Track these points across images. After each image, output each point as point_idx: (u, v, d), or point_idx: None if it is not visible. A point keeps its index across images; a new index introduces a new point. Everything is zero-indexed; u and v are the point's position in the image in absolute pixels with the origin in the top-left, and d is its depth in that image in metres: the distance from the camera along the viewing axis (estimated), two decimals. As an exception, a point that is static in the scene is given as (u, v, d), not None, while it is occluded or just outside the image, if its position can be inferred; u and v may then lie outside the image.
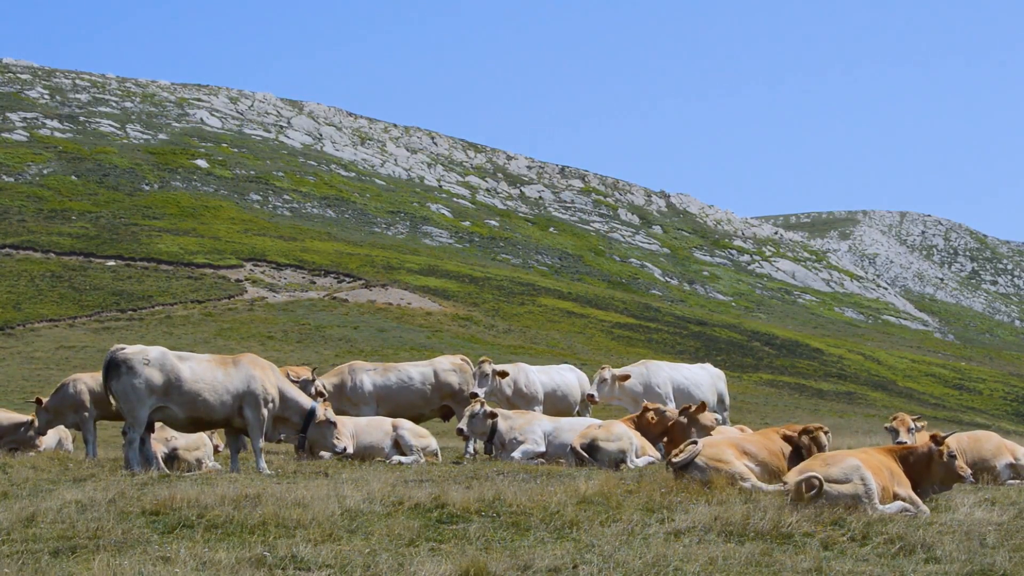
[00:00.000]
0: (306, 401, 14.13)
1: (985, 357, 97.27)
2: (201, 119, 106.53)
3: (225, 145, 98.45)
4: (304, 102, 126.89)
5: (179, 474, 13.20)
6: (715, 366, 19.96)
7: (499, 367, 17.24)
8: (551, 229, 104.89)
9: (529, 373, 17.82)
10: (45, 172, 78.63)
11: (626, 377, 17.36)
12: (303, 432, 14.00)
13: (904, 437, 12.45)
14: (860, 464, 9.96)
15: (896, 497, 10.11)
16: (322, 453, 14.74)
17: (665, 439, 14.54)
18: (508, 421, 14.97)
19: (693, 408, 14.37)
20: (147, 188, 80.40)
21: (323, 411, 14.04)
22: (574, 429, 14.64)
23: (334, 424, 14.08)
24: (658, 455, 14.31)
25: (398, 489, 10.80)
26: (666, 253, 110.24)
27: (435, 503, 9.99)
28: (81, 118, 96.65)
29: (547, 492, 10.46)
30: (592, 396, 17.18)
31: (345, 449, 14.20)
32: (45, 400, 16.38)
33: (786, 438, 11.95)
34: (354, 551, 8.35)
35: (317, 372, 17.92)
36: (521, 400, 17.35)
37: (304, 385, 16.66)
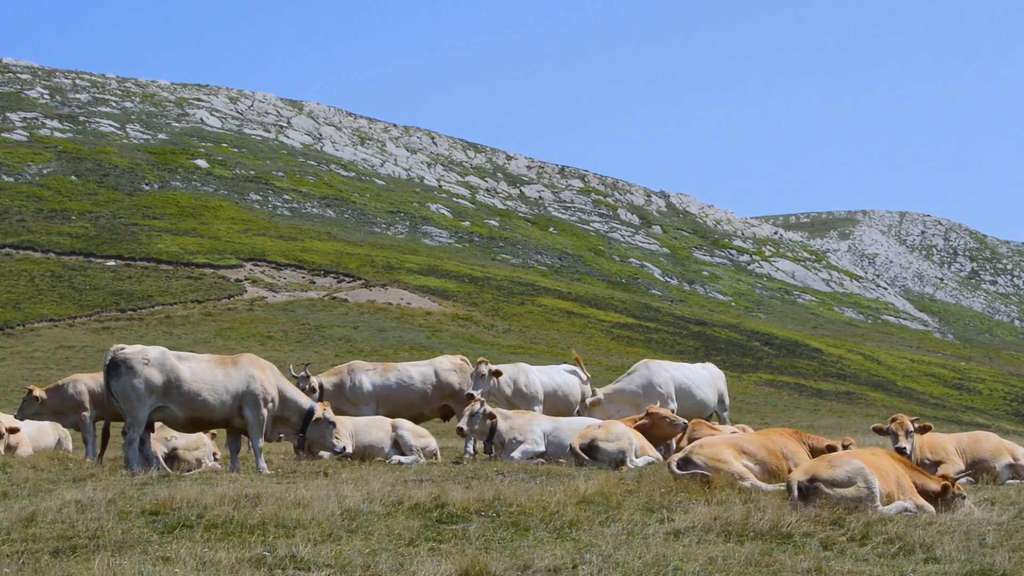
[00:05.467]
0: (305, 401, 14.13)
1: (985, 357, 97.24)
2: (201, 119, 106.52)
3: (225, 145, 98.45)
4: (304, 102, 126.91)
5: (179, 474, 13.21)
6: (715, 366, 19.93)
7: (496, 367, 17.20)
8: (551, 229, 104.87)
9: (529, 373, 17.78)
10: (45, 172, 78.62)
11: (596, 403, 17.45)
12: (302, 432, 14.01)
13: (903, 443, 12.25)
14: (864, 466, 9.95)
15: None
16: (321, 453, 14.74)
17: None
18: (508, 421, 14.96)
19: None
20: (147, 188, 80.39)
21: (322, 410, 14.03)
22: (574, 429, 14.63)
23: (333, 424, 14.07)
24: (658, 455, 14.32)
25: (398, 489, 10.80)
26: (666, 253, 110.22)
27: (435, 503, 9.99)
28: (81, 118, 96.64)
29: (547, 492, 10.46)
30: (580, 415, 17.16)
31: (344, 449, 14.18)
32: (38, 390, 16.34)
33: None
34: (354, 551, 8.35)
35: (315, 371, 17.92)
36: (521, 400, 17.32)
37: (301, 382, 16.68)
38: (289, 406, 13.90)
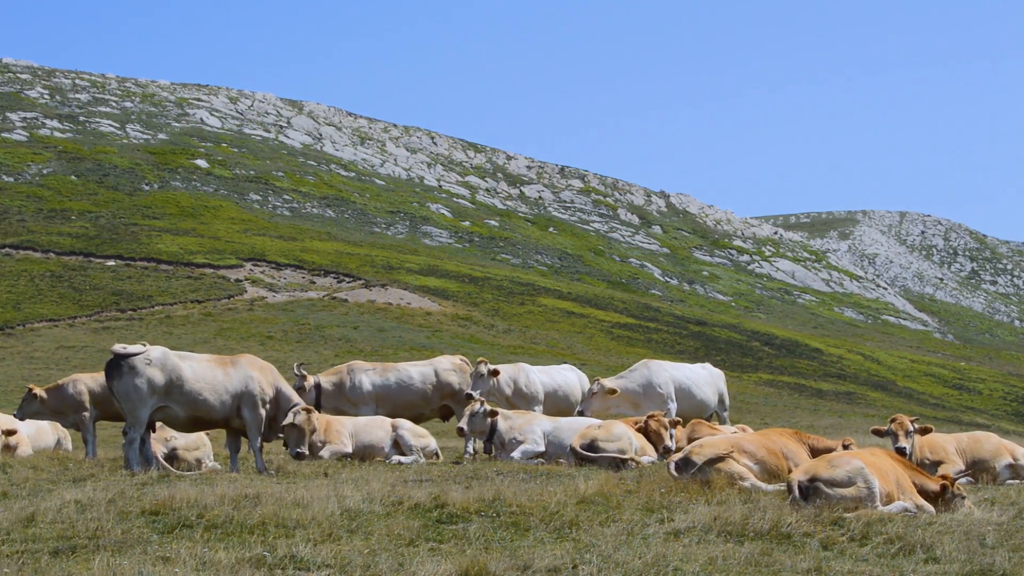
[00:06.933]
0: (297, 403, 14.08)
1: (985, 357, 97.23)
2: (201, 119, 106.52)
3: (225, 145, 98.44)
4: (304, 102, 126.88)
5: (179, 474, 13.21)
6: (715, 366, 19.92)
7: (495, 366, 17.21)
8: (551, 229, 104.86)
9: (530, 373, 17.79)
10: (45, 172, 78.61)
11: (613, 391, 17.21)
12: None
13: (903, 443, 12.26)
14: (864, 466, 9.95)
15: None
16: (321, 453, 14.78)
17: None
18: (508, 421, 14.96)
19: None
20: (147, 188, 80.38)
21: (296, 412, 13.81)
22: (574, 429, 14.63)
23: (302, 430, 13.85)
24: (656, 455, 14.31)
25: (398, 489, 10.81)
26: (666, 253, 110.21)
27: (435, 503, 9.99)
28: (81, 118, 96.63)
29: (547, 492, 10.46)
30: (582, 413, 17.06)
31: (300, 455, 13.90)
32: (38, 390, 16.34)
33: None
34: (354, 551, 8.36)
35: (315, 371, 17.92)
36: (521, 400, 17.32)
37: (298, 381, 16.70)
38: (283, 408, 13.87)
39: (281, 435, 14.42)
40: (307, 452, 13.97)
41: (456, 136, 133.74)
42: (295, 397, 14.17)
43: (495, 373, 16.95)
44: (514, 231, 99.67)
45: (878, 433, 12.88)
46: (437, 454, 15.65)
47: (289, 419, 13.73)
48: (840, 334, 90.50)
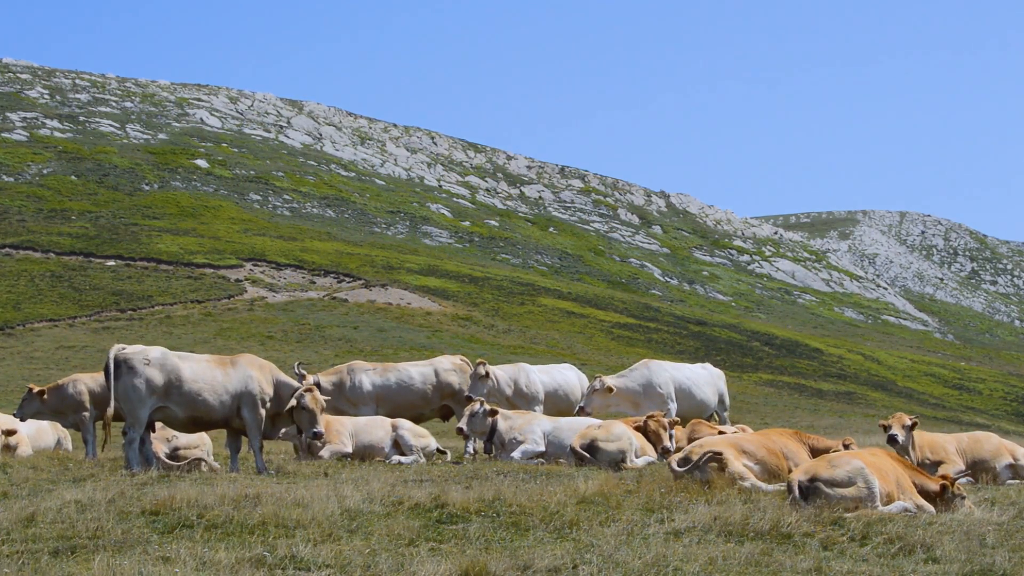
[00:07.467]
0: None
1: (985, 357, 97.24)
2: (201, 119, 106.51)
3: (225, 145, 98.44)
4: (304, 102, 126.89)
5: (179, 473, 13.21)
6: (715, 366, 19.91)
7: (495, 367, 17.19)
8: (551, 229, 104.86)
9: (530, 373, 17.78)
10: (45, 172, 78.61)
11: (609, 390, 17.13)
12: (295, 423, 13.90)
13: (895, 431, 12.50)
14: (864, 466, 9.96)
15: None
16: (321, 453, 14.78)
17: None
18: (508, 421, 14.97)
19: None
20: (147, 188, 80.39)
21: (300, 396, 13.74)
22: (574, 429, 14.64)
23: (312, 411, 13.77)
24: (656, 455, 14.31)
25: (398, 489, 10.81)
26: (666, 253, 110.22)
27: (435, 503, 10.00)
28: (81, 118, 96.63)
29: (547, 492, 10.47)
30: (583, 408, 17.01)
31: (318, 434, 13.79)
32: (37, 388, 16.33)
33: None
34: (354, 551, 8.36)
35: (315, 371, 17.92)
36: (522, 400, 17.31)
37: (299, 381, 16.68)
38: (286, 403, 13.83)
39: (282, 436, 14.41)
40: (323, 430, 13.87)
41: (456, 136, 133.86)
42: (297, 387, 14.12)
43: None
44: (514, 231, 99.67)
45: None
46: (440, 450, 15.68)
47: (294, 404, 13.64)
48: (840, 334, 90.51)
